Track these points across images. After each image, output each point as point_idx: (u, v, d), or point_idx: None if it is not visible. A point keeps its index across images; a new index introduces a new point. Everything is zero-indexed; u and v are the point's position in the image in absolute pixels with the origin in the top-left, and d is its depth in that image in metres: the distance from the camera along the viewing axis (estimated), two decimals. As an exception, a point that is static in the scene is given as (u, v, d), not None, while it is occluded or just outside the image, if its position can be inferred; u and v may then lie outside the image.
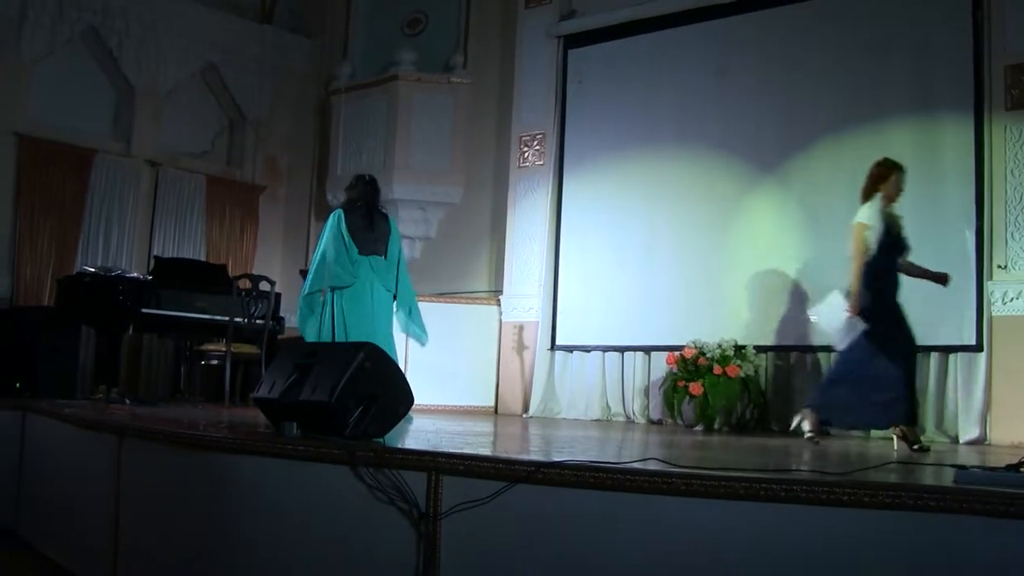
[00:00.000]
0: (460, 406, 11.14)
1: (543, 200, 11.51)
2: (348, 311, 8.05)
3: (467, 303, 11.82)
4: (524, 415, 11.09)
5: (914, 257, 8.31)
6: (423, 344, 8.72)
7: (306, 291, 8.19)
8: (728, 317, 9.97)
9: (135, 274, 10.69)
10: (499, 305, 11.68)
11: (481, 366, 11.48)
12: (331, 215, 8.23)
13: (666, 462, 4.15)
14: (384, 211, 8.52)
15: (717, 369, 9.39)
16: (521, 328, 11.46)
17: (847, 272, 7.18)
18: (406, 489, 4.42)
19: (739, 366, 9.40)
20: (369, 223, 8.17)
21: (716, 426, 9.37)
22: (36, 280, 11.77)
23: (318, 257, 8.14)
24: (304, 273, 8.77)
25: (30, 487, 8.24)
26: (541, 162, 11.60)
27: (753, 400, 9.61)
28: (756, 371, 9.59)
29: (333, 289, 8.06)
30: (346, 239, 8.03)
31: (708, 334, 9.76)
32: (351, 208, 8.18)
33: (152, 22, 12.93)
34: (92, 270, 10.45)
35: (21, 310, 11.08)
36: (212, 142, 14.42)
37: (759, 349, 9.68)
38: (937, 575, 3.36)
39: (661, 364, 10.21)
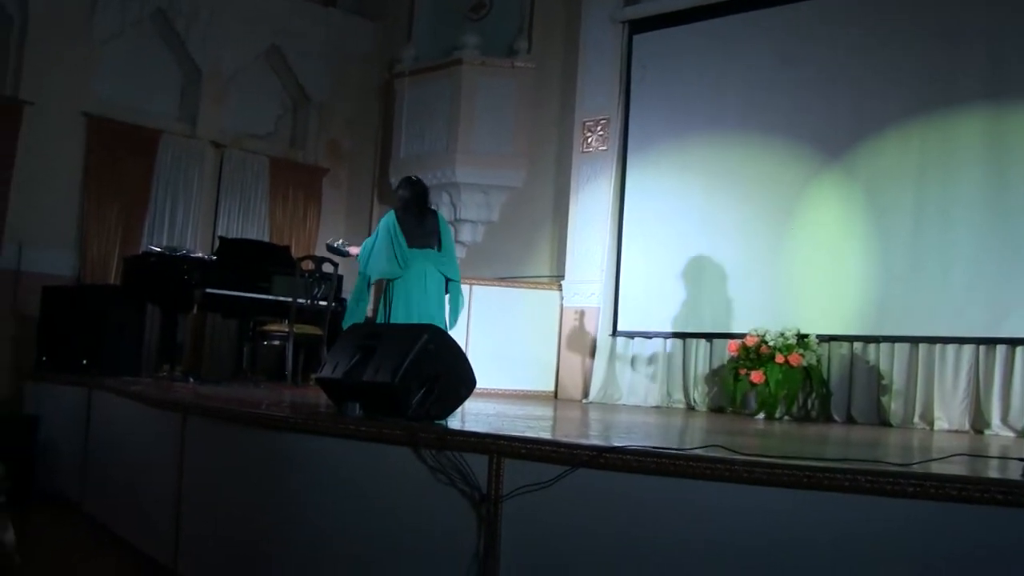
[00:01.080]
0: (520, 390, 11.15)
1: (606, 185, 11.47)
2: (404, 299, 8.40)
3: (528, 288, 11.82)
4: (584, 400, 11.08)
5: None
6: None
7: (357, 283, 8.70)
8: (791, 305, 9.89)
9: (200, 254, 10.78)
10: (560, 290, 11.67)
11: (542, 351, 11.48)
12: (386, 215, 8.59)
13: (729, 449, 4.12)
14: (433, 208, 8.95)
15: (779, 358, 9.32)
16: (582, 313, 11.44)
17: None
18: (468, 471, 4.42)
19: (802, 355, 9.33)
20: (420, 220, 8.52)
21: (777, 415, 9.32)
22: (103, 258, 11.91)
23: (366, 252, 8.52)
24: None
25: (95, 462, 8.37)
26: (604, 147, 11.56)
27: (815, 389, 9.54)
28: (819, 360, 9.50)
29: (390, 281, 8.46)
30: (398, 235, 8.36)
31: (771, 322, 9.70)
32: (403, 208, 8.51)
33: (219, 5, 13.02)
34: (158, 249, 10.53)
35: (88, 288, 11.21)
36: (276, 124, 14.51)
37: (822, 338, 9.59)
38: (1003, 569, 3.32)
39: (723, 352, 10.17)
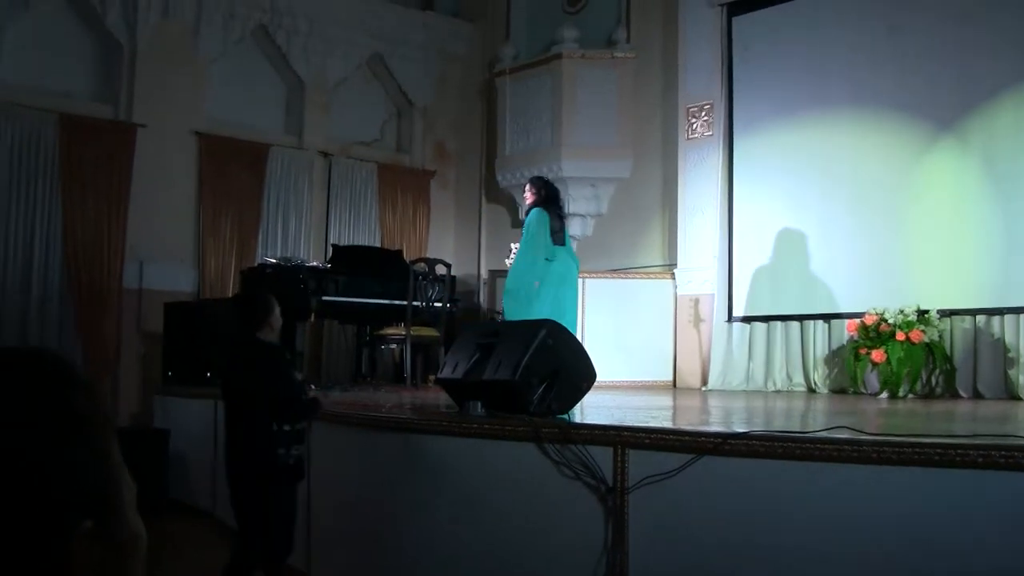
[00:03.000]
0: (638, 381, 11.11)
1: (713, 170, 11.36)
2: (562, 297, 8.97)
3: (641, 278, 11.77)
4: (703, 388, 11.01)
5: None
6: None
7: (512, 287, 9.13)
8: (910, 281, 9.70)
9: (314, 262, 10.95)
10: (674, 278, 11.59)
11: (658, 340, 11.42)
12: (534, 212, 9.10)
13: (856, 430, 4.08)
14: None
15: (900, 335, 9.16)
16: (697, 301, 11.36)
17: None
18: (592, 464, 4.44)
19: (923, 331, 9.15)
20: (560, 219, 9.18)
21: (901, 393, 9.16)
22: (220, 272, 12.15)
23: (526, 252, 9.05)
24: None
25: (223, 471, 8.53)
26: (710, 132, 11.46)
27: (938, 365, 9.35)
28: (941, 336, 9.31)
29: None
30: (547, 235, 8.92)
31: (889, 299, 9.52)
32: (550, 208, 9.10)
33: (318, 16, 13.20)
34: (273, 260, 10.71)
35: (207, 303, 11.43)
36: (381, 130, 14.68)
37: (943, 313, 9.39)
38: None
39: (841, 332, 10.02)
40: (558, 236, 9.10)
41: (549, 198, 9.31)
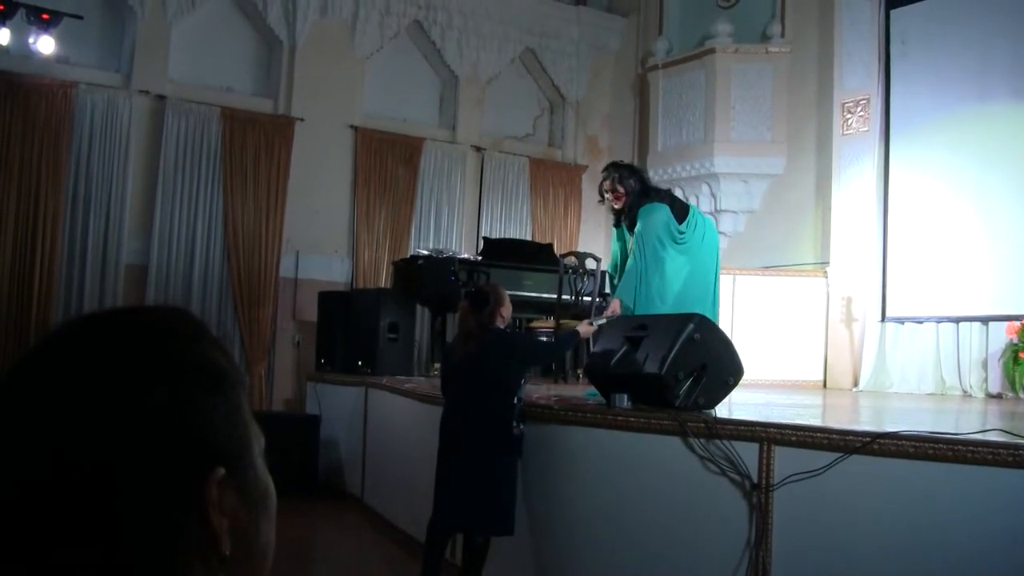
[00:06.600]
0: (787, 380, 10.96)
1: (869, 167, 11.15)
2: None
3: (793, 275, 11.62)
4: (854, 389, 10.83)
5: None
6: None
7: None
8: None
9: (465, 255, 11.08)
10: (826, 277, 11.42)
11: (809, 339, 11.26)
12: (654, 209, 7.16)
13: (1012, 433, 3.99)
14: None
15: (1062, 338, 8.91)
16: (850, 300, 11.17)
17: None
18: (738, 460, 4.42)
19: (1087, 334, 8.88)
20: None
21: (1063, 399, 8.91)
22: (373, 263, 12.40)
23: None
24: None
25: (373, 457, 8.74)
26: (865, 128, 11.25)
27: (1102, 370, 9.07)
28: (1105, 339, 9.03)
29: None
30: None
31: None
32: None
33: (472, 12, 13.37)
34: (425, 252, 10.87)
35: (360, 292, 11.65)
36: (533, 125, 14.76)
37: (1108, 316, 9.10)
38: None
39: (999, 334, 9.75)
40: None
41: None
